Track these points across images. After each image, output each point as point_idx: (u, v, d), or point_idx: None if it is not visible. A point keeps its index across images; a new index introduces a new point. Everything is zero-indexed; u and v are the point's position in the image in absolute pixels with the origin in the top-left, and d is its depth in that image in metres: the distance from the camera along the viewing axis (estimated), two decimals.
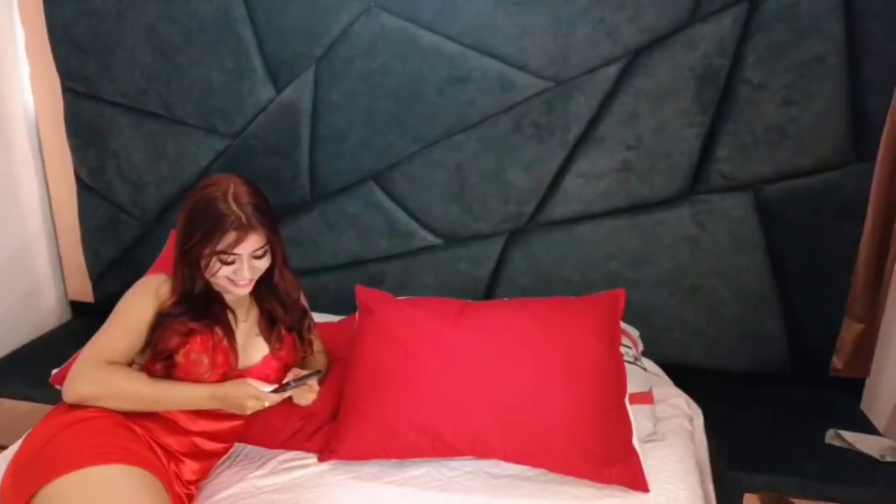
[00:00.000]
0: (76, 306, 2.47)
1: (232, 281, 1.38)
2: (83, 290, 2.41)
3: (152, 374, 1.38)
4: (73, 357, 1.83)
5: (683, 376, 1.90)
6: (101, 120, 2.19)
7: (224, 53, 2.03)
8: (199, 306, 1.39)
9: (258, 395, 1.35)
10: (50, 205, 2.36)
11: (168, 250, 2.00)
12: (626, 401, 1.56)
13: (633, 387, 1.62)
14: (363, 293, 1.74)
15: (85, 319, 2.31)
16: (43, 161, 2.31)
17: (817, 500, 1.63)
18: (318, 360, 1.65)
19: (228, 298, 1.46)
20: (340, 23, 1.93)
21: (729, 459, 1.67)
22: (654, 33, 1.78)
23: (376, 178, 2.07)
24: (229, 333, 1.41)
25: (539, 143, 1.92)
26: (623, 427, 1.51)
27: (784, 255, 1.89)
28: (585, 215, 1.95)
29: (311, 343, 1.59)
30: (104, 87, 2.15)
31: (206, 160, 2.15)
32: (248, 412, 1.37)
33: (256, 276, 1.41)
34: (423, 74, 1.92)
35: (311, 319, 1.59)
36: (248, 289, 1.42)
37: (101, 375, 1.32)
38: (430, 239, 2.07)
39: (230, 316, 1.44)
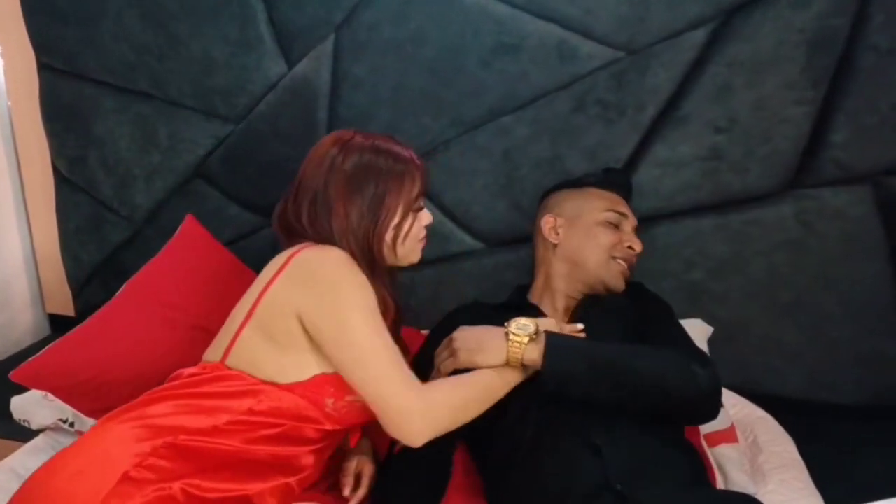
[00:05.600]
0: (55, 320, 2.24)
1: (420, 240, 1.25)
2: (63, 301, 2.19)
3: None
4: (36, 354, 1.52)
5: (777, 411, 1.63)
6: (83, 101, 1.98)
7: (227, 21, 1.80)
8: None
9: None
10: (24, 202, 2.12)
11: (177, 244, 1.69)
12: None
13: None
14: None
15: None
16: (16, 150, 2.08)
17: None
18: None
19: None
20: None
21: None
22: None
23: None
24: None
25: (606, 126, 1.66)
26: None
27: None
28: (661, 213, 1.69)
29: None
30: (86, 63, 1.94)
31: (204, 148, 1.93)
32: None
33: None
34: (465, 43, 1.68)
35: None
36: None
37: (442, 395, 1.10)
38: (470, 242, 1.82)
39: None
